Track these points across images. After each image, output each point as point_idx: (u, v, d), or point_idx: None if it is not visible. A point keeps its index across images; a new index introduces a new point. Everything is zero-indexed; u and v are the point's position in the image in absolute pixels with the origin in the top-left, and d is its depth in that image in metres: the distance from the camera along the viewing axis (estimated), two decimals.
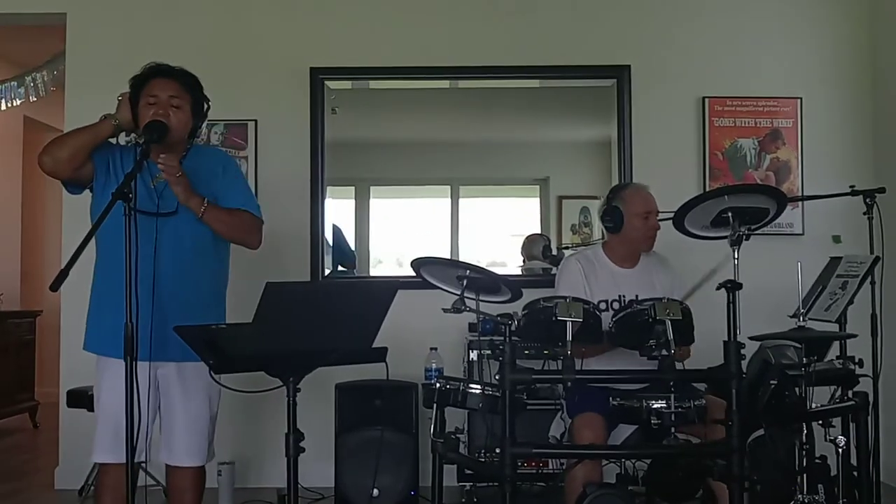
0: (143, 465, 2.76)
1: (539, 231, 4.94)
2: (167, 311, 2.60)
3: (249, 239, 2.84)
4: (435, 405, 2.93)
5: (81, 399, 4.05)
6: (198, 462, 2.79)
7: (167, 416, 2.74)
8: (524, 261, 4.82)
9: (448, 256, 4.71)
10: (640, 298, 3.13)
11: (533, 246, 4.82)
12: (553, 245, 4.85)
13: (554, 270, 4.59)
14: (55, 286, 2.16)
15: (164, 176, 2.56)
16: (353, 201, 5.04)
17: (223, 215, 2.71)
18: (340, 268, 4.84)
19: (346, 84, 4.85)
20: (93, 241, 2.63)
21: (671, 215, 2.98)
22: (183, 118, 2.71)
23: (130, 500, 2.35)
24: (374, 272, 4.91)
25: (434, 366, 4.08)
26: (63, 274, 2.17)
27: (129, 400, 2.29)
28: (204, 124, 2.86)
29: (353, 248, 4.92)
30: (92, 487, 4.15)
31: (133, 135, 2.70)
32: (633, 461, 3.45)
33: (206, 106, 2.81)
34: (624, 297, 3.20)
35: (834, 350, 3.20)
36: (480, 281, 2.99)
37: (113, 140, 2.75)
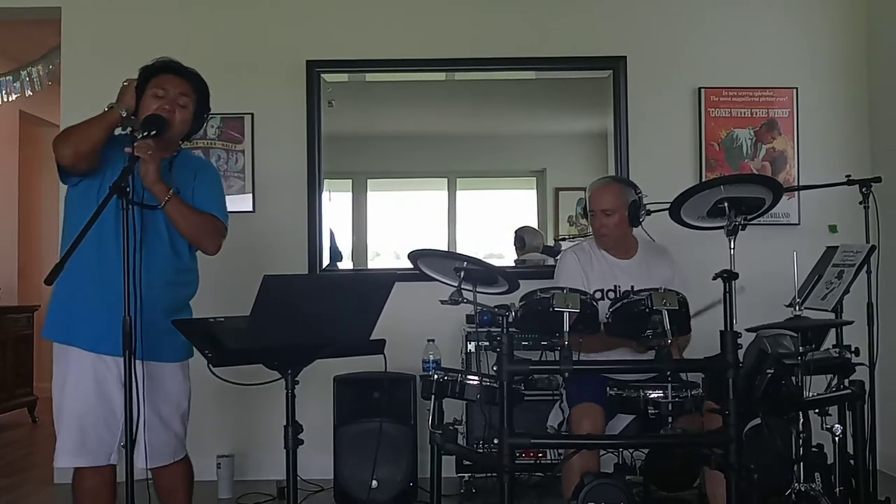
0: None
1: (536, 223, 4.96)
2: (140, 308, 2.47)
3: (207, 241, 2.70)
4: (433, 396, 2.94)
5: None
6: (182, 455, 2.74)
7: (147, 418, 2.59)
8: (517, 252, 4.83)
9: (445, 248, 4.72)
10: (635, 289, 3.14)
11: (534, 237, 4.84)
12: (549, 236, 4.88)
13: (547, 261, 4.62)
14: (50, 280, 2.17)
15: (137, 152, 2.45)
16: (350, 194, 5.05)
17: (186, 210, 2.61)
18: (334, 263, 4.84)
19: (343, 77, 4.84)
20: (61, 228, 2.65)
21: (667, 206, 2.98)
22: (185, 118, 2.68)
23: (130, 498, 2.31)
24: (371, 265, 4.92)
25: (432, 357, 4.09)
26: (58, 268, 2.17)
27: (128, 397, 2.28)
28: (200, 131, 2.83)
29: (347, 241, 4.92)
30: None
31: (129, 128, 2.64)
32: (631, 451, 3.46)
33: (207, 114, 2.78)
34: (619, 287, 3.21)
35: (830, 339, 3.20)
36: (477, 272, 3.00)
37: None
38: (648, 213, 3.51)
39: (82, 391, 2.54)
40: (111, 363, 2.52)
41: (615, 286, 3.21)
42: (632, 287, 3.18)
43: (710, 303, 2.94)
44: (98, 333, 2.51)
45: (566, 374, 2.65)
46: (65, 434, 2.59)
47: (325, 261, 4.70)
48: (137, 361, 2.52)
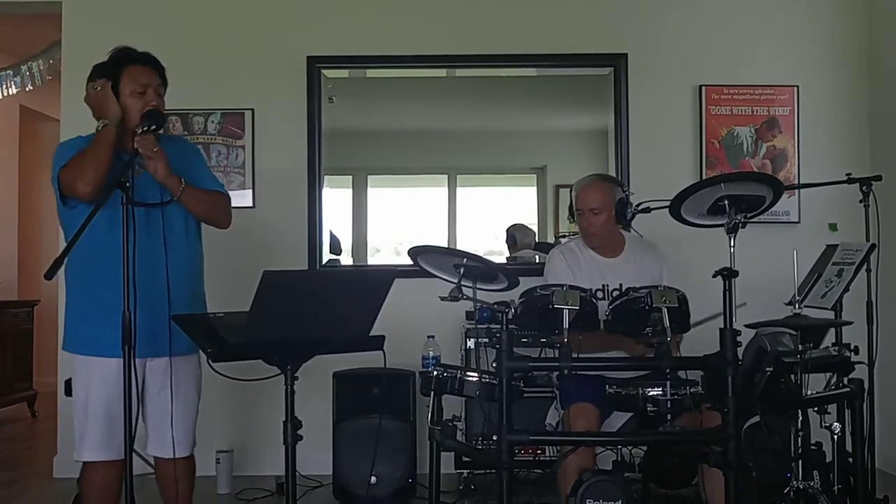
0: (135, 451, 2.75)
1: (536, 220, 4.96)
2: (164, 304, 2.57)
3: (223, 218, 2.82)
4: (432, 393, 2.94)
5: None
6: (189, 452, 2.79)
7: (157, 410, 2.70)
8: (509, 249, 4.84)
9: (445, 245, 4.72)
10: (624, 287, 3.13)
11: (525, 234, 4.85)
12: (550, 234, 4.88)
13: (540, 258, 4.62)
14: (49, 275, 2.16)
15: (141, 150, 2.49)
16: (350, 190, 5.05)
17: (201, 195, 2.70)
18: (332, 255, 4.84)
19: (343, 73, 4.84)
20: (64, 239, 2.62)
21: (667, 203, 2.98)
22: (163, 105, 2.71)
23: (128, 493, 2.34)
24: (371, 261, 4.92)
25: (431, 354, 4.09)
26: (57, 263, 2.17)
27: (127, 392, 2.29)
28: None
29: (347, 236, 4.92)
30: None
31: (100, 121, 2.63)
32: (630, 448, 3.46)
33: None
34: (608, 286, 3.20)
35: (830, 337, 3.21)
36: (477, 269, 3.00)
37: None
38: (648, 210, 3.51)
39: (109, 390, 2.56)
40: (136, 363, 2.50)
41: (603, 285, 3.20)
42: (620, 285, 3.17)
43: (708, 316, 2.93)
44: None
45: (564, 372, 2.65)
46: (92, 430, 2.62)
47: (326, 255, 4.70)
48: (164, 359, 2.62)
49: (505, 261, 4.79)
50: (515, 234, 4.86)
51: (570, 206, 3.30)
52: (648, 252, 3.34)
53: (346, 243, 4.93)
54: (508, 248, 4.86)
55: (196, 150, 3.01)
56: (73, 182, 2.53)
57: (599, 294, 3.18)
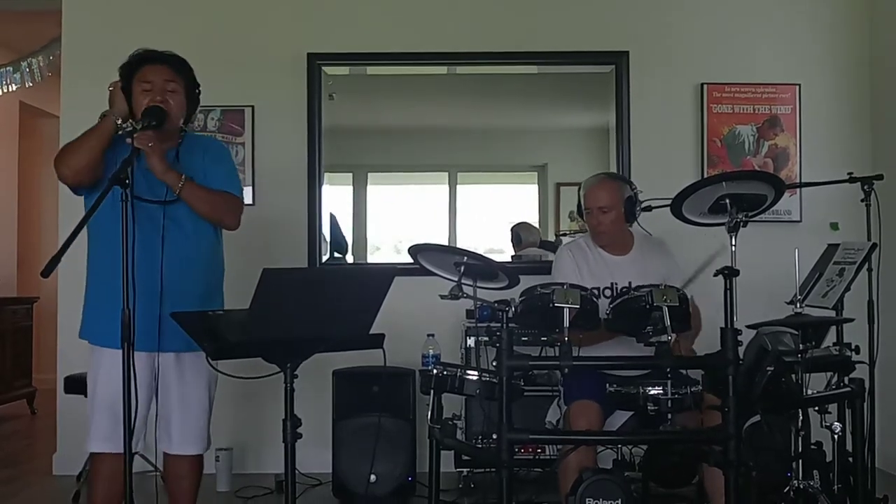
0: (138, 452, 2.75)
1: (537, 218, 4.96)
2: (171, 301, 2.59)
3: (227, 219, 2.79)
4: (432, 391, 2.93)
5: (79, 385, 4.02)
6: (197, 450, 2.80)
7: (165, 406, 2.73)
8: (514, 248, 4.83)
9: (445, 243, 4.71)
10: (633, 285, 3.13)
11: (530, 233, 4.84)
12: (550, 232, 4.87)
13: (545, 257, 4.62)
14: (46, 272, 2.15)
15: (137, 144, 2.48)
16: (350, 188, 5.04)
17: (202, 192, 2.67)
18: (336, 254, 4.83)
19: (344, 70, 4.83)
20: (86, 231, 2.64)
21: (669, 202, 2.98)
22: (179, 103, 2.70)
23: (128, 487, 2.34)
24: (371, 259, 4.91)
25: (431, 352, 4.09)
26: (55, 260, 2.15)
27: (126, 387, 2.29)
28: (197, 110, 2.84)
29: (347, 234, 4.91)
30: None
31: (130, 121, 2.63)
32: (630, 447, 3.46)
33: (197, 90, 2.79)
34: (616, 284, 3.19)
35: (831, 337, 3.20)
36: (478, 267, 2.99)
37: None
38: (649, 209, 3.51)
39: (113, 384, 2.54)
40: (140, 356, 2.53)
41: (612, 283, 3.19)
42: (629, 283, 3.17)
43: (701, 265, 2.93)
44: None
45: (565, 371, 2.64)
46: (98, 422, 2.66)
47: (326, 253, 4.69)
48: (171, 354, 2.66)
49: (509, 259, 4.78)
50: (520, 233, 4.85)
51: (579, 205, 3.30)
52: (657, 250, 3.35)
53: (347, 241, 4.93)
54: (513, 246, 4.85)
55: (218, 148, 2.97)
56: (58, 166, 2.62)
57: (608, 292, 3.17)
